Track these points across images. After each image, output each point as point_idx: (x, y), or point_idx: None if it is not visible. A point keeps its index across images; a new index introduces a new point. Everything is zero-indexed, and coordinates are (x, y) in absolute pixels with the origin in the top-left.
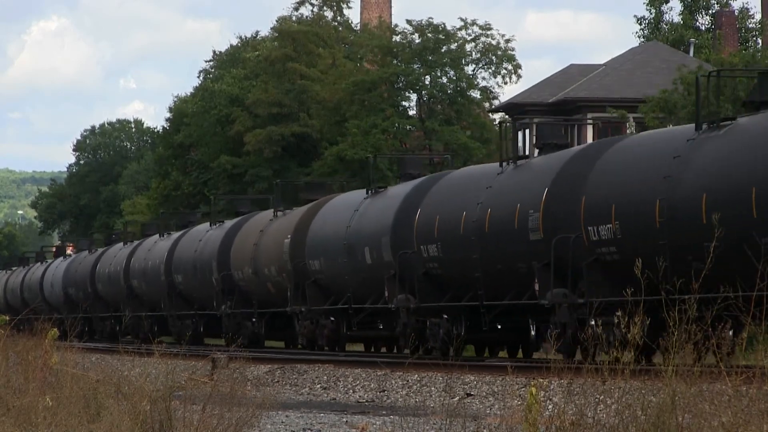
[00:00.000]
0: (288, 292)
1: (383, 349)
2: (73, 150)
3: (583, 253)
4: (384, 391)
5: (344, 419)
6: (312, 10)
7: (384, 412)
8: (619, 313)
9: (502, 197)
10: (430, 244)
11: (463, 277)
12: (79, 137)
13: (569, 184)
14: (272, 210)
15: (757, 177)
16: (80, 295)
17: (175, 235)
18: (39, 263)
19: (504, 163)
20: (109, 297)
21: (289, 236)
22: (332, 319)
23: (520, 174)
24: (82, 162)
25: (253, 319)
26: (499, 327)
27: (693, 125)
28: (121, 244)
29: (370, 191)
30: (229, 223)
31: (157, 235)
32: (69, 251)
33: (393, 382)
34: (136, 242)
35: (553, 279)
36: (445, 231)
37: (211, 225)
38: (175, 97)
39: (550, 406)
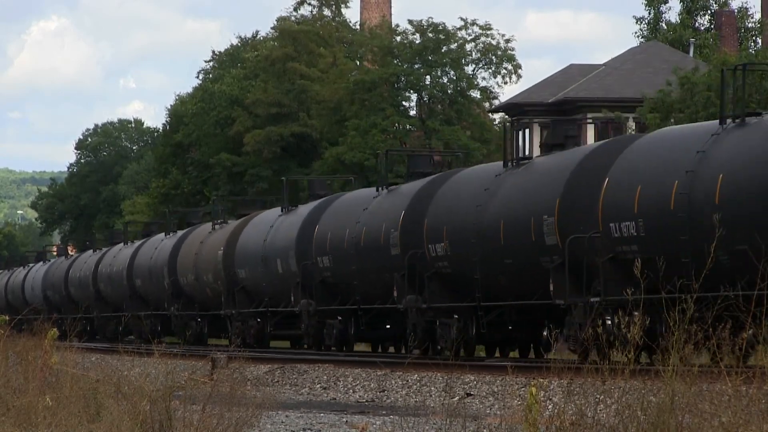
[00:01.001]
0: (222, 296)
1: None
2: (75, 149)
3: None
4: (384, 391)
5: (344, 419)
6: (311, 11)
7: (384, 412)
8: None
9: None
10: (324, 256)
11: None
12: (80, 136)
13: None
14: (211, 223)
15: None
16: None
17: (144, 240)
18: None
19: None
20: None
21: (222, 248)
22: (258, 320)
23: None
24: (83, 161)
25: (198, 320)
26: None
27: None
28: (122, 244)
29: (284, 209)
30: (180, 233)
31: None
32: (70, 251)
33: (393, 382)
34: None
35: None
36: (334, 246)
37: (166, 234)
38: (176, 96)
39: (550, 406)
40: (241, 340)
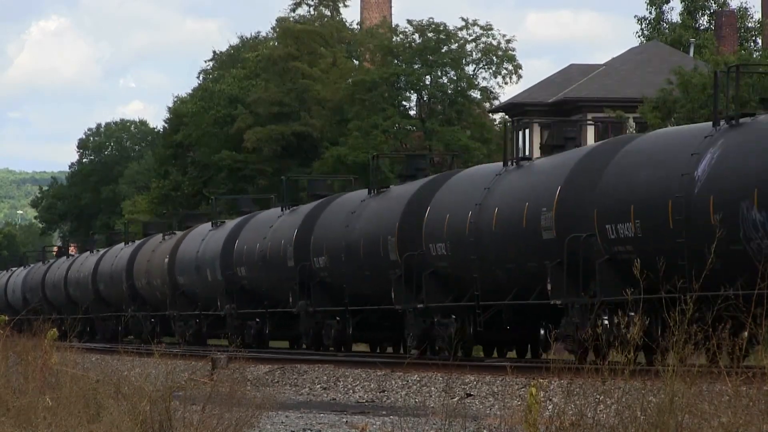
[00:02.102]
0: (167, 299)
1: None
2: (77, 148)
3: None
4: (384, 391)
5: (344, 419)
6: (309, 11)
7: (384, 413)
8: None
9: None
10: (241, 266)
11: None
12: (83, 136)
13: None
14: (162, 234)
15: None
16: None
17: (141, 242)
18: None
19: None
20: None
21: (167, 257)
22: (197, 321)
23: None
24: (84, 161)
25: (152, 320)
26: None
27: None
28: (123, 244)
29: (214, 224)
30: (138, 242)
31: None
32: (71, 251)
33: (393, 382)
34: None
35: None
36: (248, 257)
37: (124, 243)
38: (176, 97)
39: (550, 407)
40: (183, 340)
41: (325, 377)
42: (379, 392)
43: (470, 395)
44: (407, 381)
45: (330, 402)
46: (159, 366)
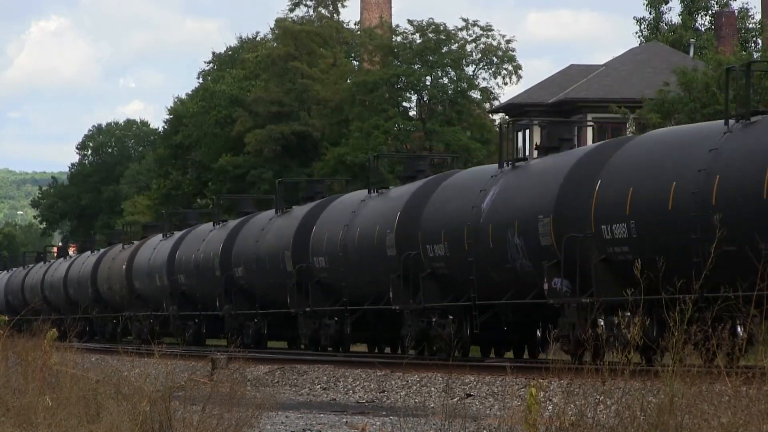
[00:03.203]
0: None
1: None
2: (78, 149)
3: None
4: (384, 391)
5: (344, 419)
6: (308, 12)
7: (384, 413)
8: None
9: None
10: (181, 273)
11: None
12: (84, 136)
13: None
14: (122, 244)
15: None
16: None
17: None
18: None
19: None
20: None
21: (125, 264)
22: (151, 321)
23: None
24: (86, 161)
25: (114, 321)
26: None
27: (722, 121)
28: (121, 245)
29: (164, 235)
30: (103, 250)
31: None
32: (71, 251)
33: (393, 382)
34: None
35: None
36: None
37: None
38: (176, 97)
39: (549, 407)
40: (141, 340)
41: (325, 377)
42: (379, 392)
43: (470, 395)
44: (407, 381)
45: (330, 402)
46: (159, 366)
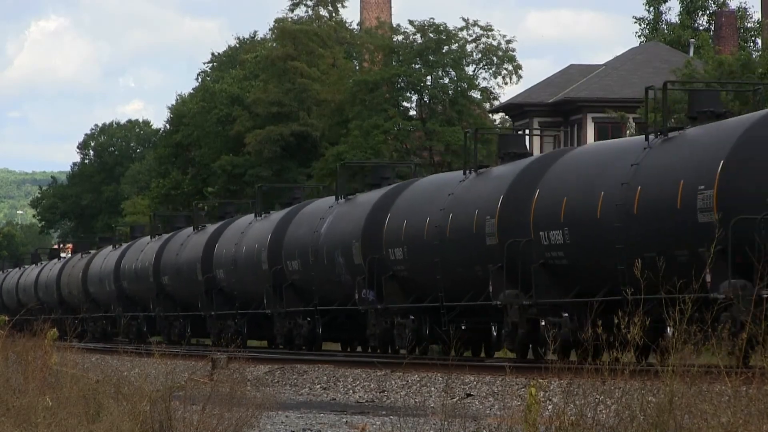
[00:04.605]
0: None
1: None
2: (79, 148)
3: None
4: (384, 391)
5: (344, 419)
6: (307, 12)
7: (384, 413)
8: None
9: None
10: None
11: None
12: (85, 135)
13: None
14: (112, 245)
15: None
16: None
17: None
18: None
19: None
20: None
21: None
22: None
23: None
24: (86, 161)
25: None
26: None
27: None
28: (111, 246)
29: (115, 246)
30: (93, 252)
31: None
32: (68, 252)
33: (393, 382)
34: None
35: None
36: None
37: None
38: (177, 96)
39: (549, 407)
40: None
41: (325, 377)
42: (379, 392)
43: (470, 395)
44: (407, 381)
45: (330, 402)
46: (159, 366)
